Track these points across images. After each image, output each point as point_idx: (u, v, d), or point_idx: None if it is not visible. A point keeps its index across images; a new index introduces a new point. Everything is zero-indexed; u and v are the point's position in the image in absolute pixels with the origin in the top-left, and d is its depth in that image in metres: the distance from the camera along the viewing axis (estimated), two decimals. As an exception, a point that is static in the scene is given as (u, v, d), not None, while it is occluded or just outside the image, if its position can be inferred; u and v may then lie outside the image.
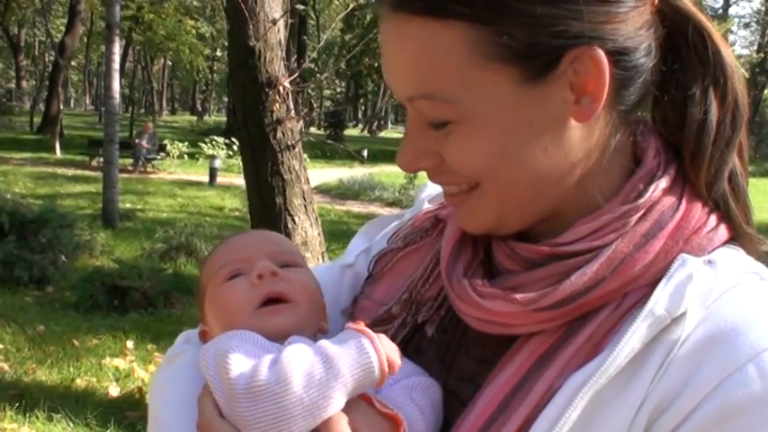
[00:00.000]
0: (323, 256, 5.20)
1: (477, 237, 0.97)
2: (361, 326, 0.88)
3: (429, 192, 1.16)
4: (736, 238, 0.90)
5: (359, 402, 0.86)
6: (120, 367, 6.04)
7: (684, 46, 0.89)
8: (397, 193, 18.67)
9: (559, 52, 0.81)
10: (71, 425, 4.96)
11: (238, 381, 0.83)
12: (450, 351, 0.97)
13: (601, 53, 0.81)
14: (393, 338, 0.99)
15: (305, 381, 0.82)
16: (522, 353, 0.86)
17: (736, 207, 0.90)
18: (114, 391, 5.62)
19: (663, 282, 0.82)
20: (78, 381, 5.77)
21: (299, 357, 0.84)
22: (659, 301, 0.80)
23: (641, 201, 0.86)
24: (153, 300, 7.73)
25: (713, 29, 0.90)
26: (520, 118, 0.83)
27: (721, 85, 0.89)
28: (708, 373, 0.78)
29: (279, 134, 5.03)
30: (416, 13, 0.82)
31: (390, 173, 22.66)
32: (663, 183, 0.88)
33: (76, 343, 6.55)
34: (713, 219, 0.88)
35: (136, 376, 5.88)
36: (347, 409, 0.85)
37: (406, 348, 1.00)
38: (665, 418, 0.78)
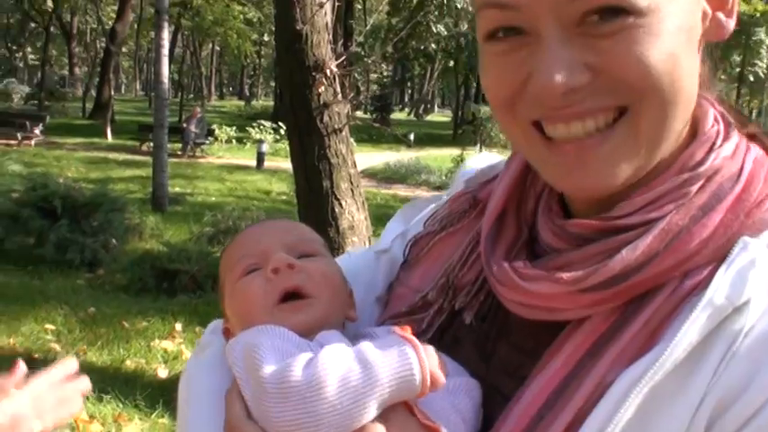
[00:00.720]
0: (369, 240, 5.18)
1: (522, 216, 0.91)
2: (408, 333, 0.83)
3: (466, 171, 1.09)
4: None
5: (399, 410, 0.81)
6: (169, 349, 6.10)
7: None
8: (443, 177, 18.57)
9: None
10: (120, 405, 5.02)
11: (270, 379, 0.80)
12: (491, 340, 0.91)
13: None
14: (429, 326, 0.95)
15: (339, 386, 0.77)
16: (570, 342, 0.79)
17: None
18: (163, 372, 5.68)
19: (723, 267, 0.75)
20: (128, 362, 5.85)
21: (337, 360, 0.79)
22: (720, 288, 0.73)
23: (702, 169, 0.79)
24: (201, 283, 7.78)
25: None
26: (686, 21, 0.75)
27: None
28: None
29: (326, 118, 5.01)
30: None
31: (437, 156, 22.57)
32: (724, 151, 0.81)
33: (126, 325, 6.63)
34: None
35: (184, 358, 5.92)
36: (386, 416, 0.80)
37: (443, 337, 0.95)
38: (727, 417, 0.72)
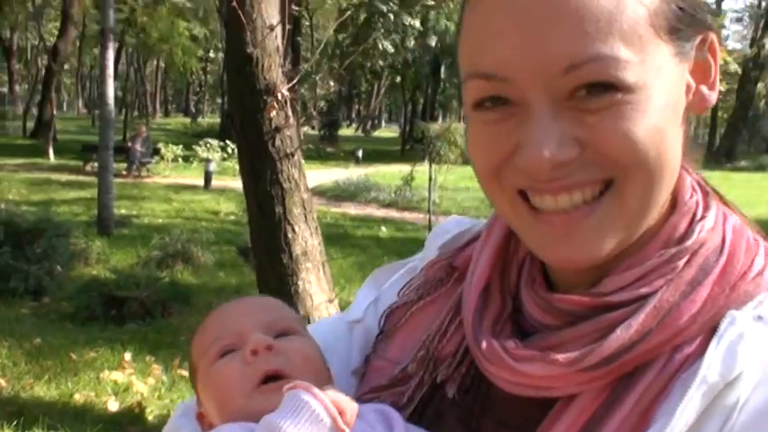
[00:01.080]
0: (323, 266, 5.12)
1: (506, 287, 0.88)
2: (296, 382, 0.82)
3: (440, 239, 1.06)
4: None
5: None
6: (119, 381, 5.95)
7: None
8: (393, 194, 18.59)
9: (695, 33, 0.77)
10: (70, 443, 4.87)
11: None
12: (475, 415, 0.88)
13: (716, 42, 0.77)
14: (410, 400, 0.92)
15: None
16: (562, 422, 0.77)
17: None
18: (113, 405, 5.53)
19: (713, 343, 0.74)
20: (77, 396, 5.68)
21: None
22: (712, 365, 0.72)
23: (688, 243, 0.78)
24: (150, 309, 7.63)
25: None
26: (671, 97, 0.75)
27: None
28: None
29: (277, 142, 4.95)
30: None
31: (386, 173, 22.62)
32: (707, 223, 0.80)
33: (74, 356, 6.45)
34: (759, 260, 0.80)
35: (135, 390, 5.78)
36: None
37: (425, 411, 0.92)
38: None
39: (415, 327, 0.98)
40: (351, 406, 0.82)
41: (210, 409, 0.92)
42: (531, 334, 0.83)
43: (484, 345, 0.82)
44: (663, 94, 0.73)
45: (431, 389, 0.92)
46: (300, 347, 0.93)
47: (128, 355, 6.50)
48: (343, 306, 5.77)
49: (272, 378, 0.89)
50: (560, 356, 0.76)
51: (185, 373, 6.10)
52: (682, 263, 0.78)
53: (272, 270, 4.98)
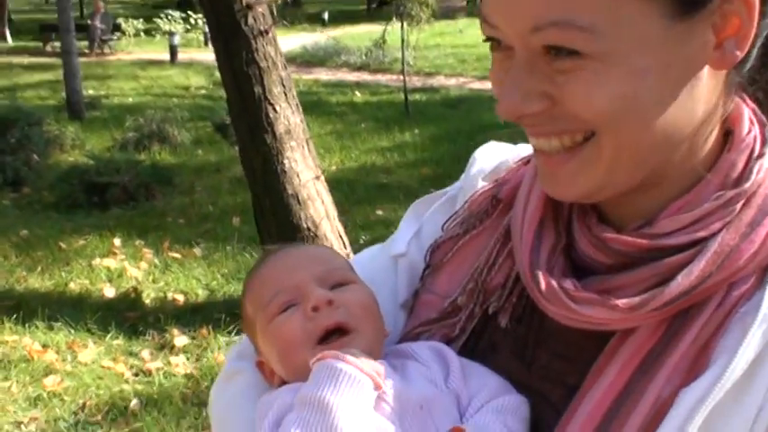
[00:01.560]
0: (307, 143, 5.11)
1: (560, 220, 0.88)
2: (324, 353, 0.86)
3: (480, 167, 1.05)
4: None
5: None
6: (112, 267, 6.02)
7: None
8: (363, 57, 18.26)
9: None
10: (72, 331, 4.97)
11: None
12: (529, 346, 0.90)
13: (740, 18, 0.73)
14: (462, 331, 0.95)
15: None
16: (619, 356, 0.79)
17: None
18: (110, 292, 5.62)
19: None
20: (72, 285, 5.76)
21: (292, 424, 0.82)
22: None
23: (747, 185, 0.78)
24: (133, 194, 7.63)
25: None
26: (659, 60, 0.73)
27: None
28: None
29: (250, 20, 4.83)
30: None
31: (354, 35, 22.12)
32: (766, 162, 0.80)
33: (63, 245, 6.49)
34: None
35: (129, 275, 5.87)
36: None
37: (478, 343, 0.94)
38: None
39: (463, 260, 0.98)
40: (375, 363, 0.85)
41: (273, 360, 0.95)
42: (584, 268, 0.84)
43: (543, 285, 0.83)
44: (643, 59, 0.72)
45: (482, 320, 0.94)
46: (359, 298, 0.94)
47: (117, 241, 6.56)
48: (329, 180, 5.81)
49: (334, 331, 0.91)
50: (621, 302, 0.77)
51: (176, 255, 6.20)
52: (739, 205, 0.78)
53: (256, 151, 4.96)
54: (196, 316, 5.18)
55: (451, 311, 0.96)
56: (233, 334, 4.82)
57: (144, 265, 6.05)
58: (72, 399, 4.23)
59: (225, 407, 1.01)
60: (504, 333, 0.92)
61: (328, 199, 5.07)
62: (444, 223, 1.04)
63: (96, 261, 6.12)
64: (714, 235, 0.77)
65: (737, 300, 0.77)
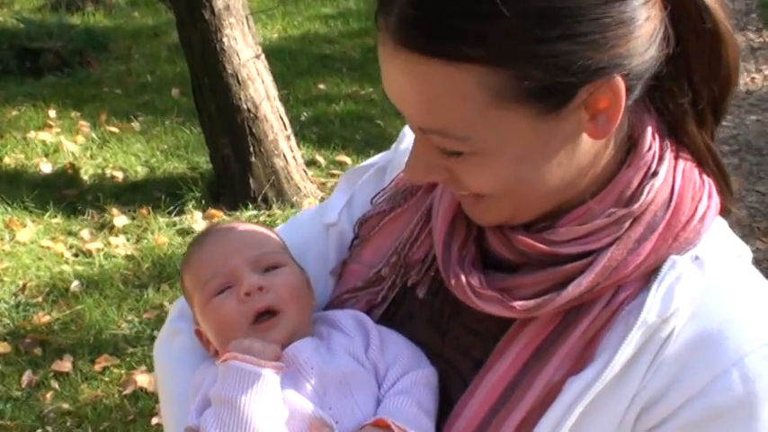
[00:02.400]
0: (247, 20, 4.98)
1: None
2: (226, 354, 0.96)
3: (409, 143, 1.08)
4: (722, 210, 0.92)
5: (376, 429, 0.91)
6: (48, 141, 5.90)
7: (686, 22, 0.84)
8: None
9: (579, 87, 0.77)
10: (9, 209, 4.93)
11: None
12: (444, 318, 0.99)
13: (618, 80, 0.78)
14: (384, 299, 1.05)
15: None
16: (518, 340, 0.90)
17: (720, 172, 0.92)
18: (46, 167, 5.54)
19: (654, 286, 0.85)
20: (7, 159, 5.65)
21: (210, 423, 0.93)
22: (652, 308, 0.84)
23: (635, 206, 0.86)
24: (67, 60, 7.37)
25: (715, 4, 0.85)
26: (535, 147, 0.81)
27: (718, 59, 0.87)
28: (695, 374, 0.84)
29: None
30: (427, 54, 0.75)
31: None
32: (658, 181, 0.87)
33: (-4, 116, 6.32)
34: (703, 203, 0.89)
35: (65, 150, 5.76)
36: None
37: (398, 311, 1.04)
38: (652, 411, 0.85)
39: (388, 234, 1.07)
40: (271, 348, 0.96)
41: (209, 334, 1.05)
42: (492, 258, 0.93)
43: (453, 280, 0.92)
44: (519, 150, 0.81)
45: (402, 290, 1.03)
46: (287, 281, 1.03)
47: (52, 113, 6.39)
48: (270, 50, 5.68)
49: (265, 313, 1.01)
50: (517, 304, 0.87)
51: (114, 129, 6.10)
52: (628, 223, 0.86)
53: (195, 27, 4.83)
54: (135, 194, 5.16)
55: (375, 281, 1.06)
56: (173, 214, 4.84)
57: (81, 139, 5.95)
58: (12, 279, 4.25)
59: (167, 365, 1.14)
60: (421, 303, 1.02)
61: (268, 78, 5.00)
62: (373, 197, 1.12)
63: (31, 134, 5.98)
64: (604, 248, 0.86)
65: (623, 299, 0.87)
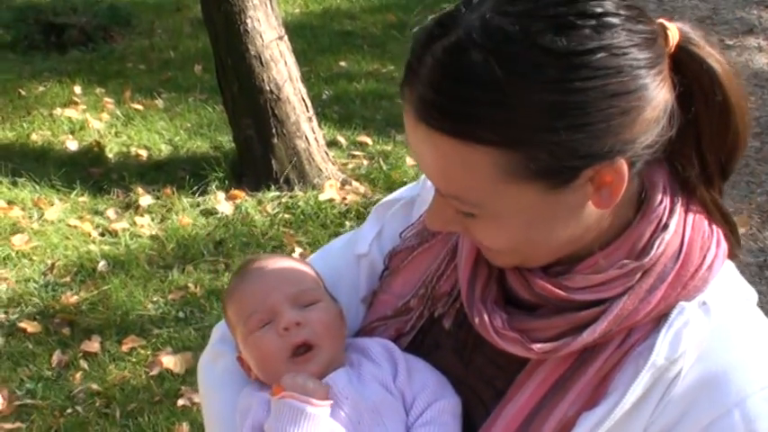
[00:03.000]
0: (270, 1, 5.01)
1: None
2: (283, 393, 1.03)
3: None
4: (730, 255, 0.99)
5: None
6: (74, 118, 5.99)
7: (696, 85, 0.90)
8: None
9: (583, 169, 0.84)
10: (37, 188, 5.03)
11: None
12: (468, 349, 1.07)
13: (621, 162, 0.85)
14: (412, 328, 1.13)
15: None
16: (537, 375, 0.97)
17: (727, 225, 0.99)
18: (72, 145, 5.63)
19: (663, 331, 0.92)
20: (34, 136, 5.74)
21: None
22: (660, 351, 0.91)
23: (646, 260, 0.93)
24: (91, 35, 7.43)
25: (724, 65, 0.91)
26: (543, 214, 0.88)
27: (726, 129, 0.93)
28: (700, 413, 0.91)
29: None
30: (444, 133, 0.81)
31: None
32: (668, 234, 0.93)
33: (23, 92, 6.41)
34: (711, 252, 0.95)
35: (91, 128, 5.85)
36: None
37: (425, 340, 1.12)
38: None
39: (416, 267, 1.15)
40: (323, 388, 1.04)
41: (251, 363, 1.15)
42: (512, 297, 1.01)
43: (476, 319, 1.00)
44: (528, 217, 0.89)
45: (429, 320, 1.12)
46: (321, 317, 1.13)
47: (77, 89, 6.48)
48: (292, 26, 5.71)
49: (301, 346, 1.10)
50: (536, 347, 0.94)
51: (138, 106, 6.18)
52: (639, 275, 0.93)
53: (218, 9, 4.88)
54: (160, 174, 5.25)
55: (404, 311, 1.14)
56: (196, 195, 4.92)
57: (105, 116, 6.03)
58: (41, 259, 4.36)
59: (211, 386, 1.23)
60: (447, 334, 1.10)
61: (291, 60, 5.05)
62: (402, 231, 1.20)
63: (57, 111, 6.08)
64: (617, 297, 0.93)
65: (635, 342, 0.94)
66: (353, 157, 5.41)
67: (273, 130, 4.88)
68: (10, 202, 4.86)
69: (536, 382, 0.97)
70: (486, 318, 0.99)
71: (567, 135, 0.81)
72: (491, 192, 0.86)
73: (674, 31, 0.89)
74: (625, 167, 0.86)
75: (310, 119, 5.04)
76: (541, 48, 0.79)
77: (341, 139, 5.64)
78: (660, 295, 0.93)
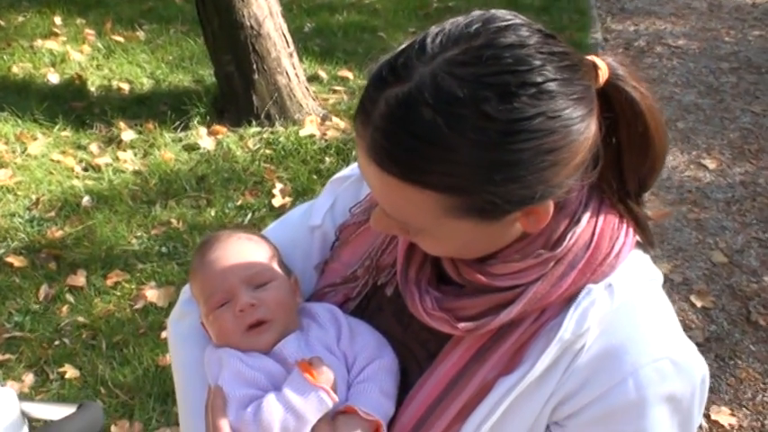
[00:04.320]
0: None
1: None
2: (310, 372, 1.12)
3: None
4: (639, 243, 1.11)
5: (346, 416, 1.11)
6: (55, 50, 5.99)
7: (621, 116, 1.02)
8: None
9: (515, 210, 0.96)
10: (20, 122, 5.07)
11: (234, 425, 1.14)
12: (406, 313, 1.17)
13: (549, 203, 0.97)
14: (358, 294, 1.26)
15: (282, 429, 1.10)
16: (461, 345, 1.11)
17: (640, 228, 1.10)
18: (54, 78, 5.65)
19: (572, 310, 1.04)
20: (15, 69, 5.76)
21: (274, 412, 1.10)
22: (568, 327, 1.03)
23: (558, 250, 1.04)
24: (71, -37, 7.35)
25: (646, 97, 1.02)
26: (478, 237, 1.01)
27: (645, 155, 1.04)
28: (599, 380, 1.04)
29: None
30: (392, 174, 0.93)
31: None
32: (579, 228, 1.05)
33: (2, 23, 6.38)
34: (618, 242, 1.07)
35: (72, 60, 5.87)
36: (336, 423, 1.11)
37: (369, 304, 1.25)
38: (564, 407, 1.07)
39: (363, 241, 1.28)
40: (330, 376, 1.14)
41: (212, 335, 1.27)
42: (445, 276, 1.13)
43: (409, 300, 1.12)
44: (459, 239, 1.00)
45: (373, 288, 1.25)
46: (275, 296, 1.23)
47: (57, 20, 6.46)
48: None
49: (256, 324, 1.22)
50: (461, 325, 1.07)
51: (119, 38, 6.17)
52: (552, 264, 1.04)
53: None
54: (141, 108, 5.29)
55: (352, 279, 1.28)
56: (178, 130, 4.98)
57: (87, 48, 6.03)
58: (25, 194, 4.43)
59: (179, 340, 1.36)
60: (388, 300, 1.23)
61: (272, -6, 5.04)
62: (351, 207, 1.32)
63: (38, 43, 6.07)
64: (532, 283, 1.05)
65: (547, 318, 1.06)
66: (334, 92, 5.46)
67: (254, 66, 4.91)
68: (-7, 137, 4.91)
69: (462, 348, 1.10)
70: (416, 300, 1.10)
71: (503, 186, 0.91)
72: (433, 223, 0.97)
73: (603, 69, 0.98)
74: (551, 207, 0.98)
75: (291, 54, 5.07)
76: (485, 114, 0.87)
77: (322, 74, 5.68)
78: (570, 280, 1.04)
